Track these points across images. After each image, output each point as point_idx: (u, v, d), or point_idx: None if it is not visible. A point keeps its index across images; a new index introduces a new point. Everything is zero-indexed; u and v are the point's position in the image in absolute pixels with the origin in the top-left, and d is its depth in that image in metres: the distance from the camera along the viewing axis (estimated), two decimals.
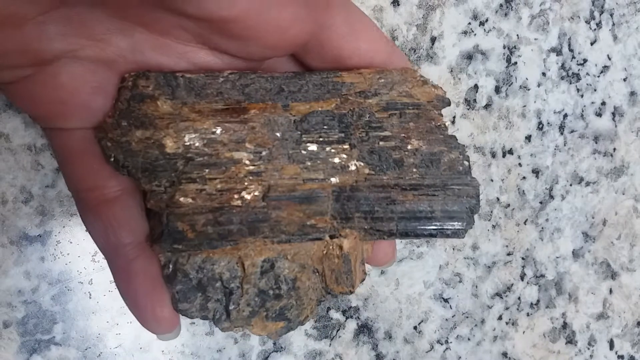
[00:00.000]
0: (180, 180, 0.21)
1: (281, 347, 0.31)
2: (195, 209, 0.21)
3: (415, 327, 0.34)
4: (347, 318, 0.33)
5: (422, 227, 0.22)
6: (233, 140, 0.21)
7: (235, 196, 0.21)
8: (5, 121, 0.26)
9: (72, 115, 0.21)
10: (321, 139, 0.22)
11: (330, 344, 0.33)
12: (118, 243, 0.22)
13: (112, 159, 0.21)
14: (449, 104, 0.24)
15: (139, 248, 0.22)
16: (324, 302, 0.25)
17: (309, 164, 0.22)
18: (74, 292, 0.27)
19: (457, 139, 0.23)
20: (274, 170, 0.21)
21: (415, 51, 0.32)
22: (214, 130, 0.21)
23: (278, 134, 0.22)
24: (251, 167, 0.21)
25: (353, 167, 0.22)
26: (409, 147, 0.23)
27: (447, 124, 0.23)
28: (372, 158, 0.22)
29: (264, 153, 0.21)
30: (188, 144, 0.21)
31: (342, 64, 0.23)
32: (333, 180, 0.22)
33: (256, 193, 0.21)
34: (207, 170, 0.21)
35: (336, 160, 0.22)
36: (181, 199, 0.21)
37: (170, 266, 0.22)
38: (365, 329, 0.33)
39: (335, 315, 0.32)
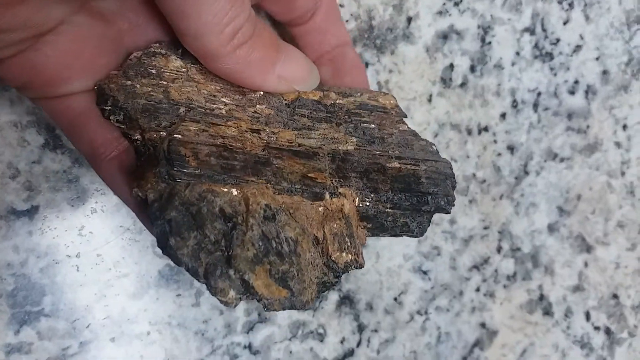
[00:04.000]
0: (182, 120, 0.20)
1: (265, 318, 0.32)
2: (199, 141, 0.20)
3: (395, 299, 0.34)
4: (329, 290, 0.33)
5: (415, 188, 0.23)
6: (234, 103, 0.22)
7: (238, 144, 0.21)
8: None
9: (78, 77, 0.21)
10: (312, 116, 0.23)
11: (313, 315, 0.33)
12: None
13: (110, 101, 0.20)
14: (405, 116, 0.25)
15: None
16: (327, 286, 0.22)
17: (303, 131, 0.22)
18: (62, 265, 0.27)
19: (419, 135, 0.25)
20: (271, 133, 0.22)
21: (391, 31, 0.32)
22: (215, 94, 0.21)
23: (273, 110, 0.22)
24: (251, 125, 0.21)
25: (342, 139, 0.23)
26: (385, 131, 0.24)
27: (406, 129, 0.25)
28: (358, 133, 0.23)
29: (261, 119, 0.22)
30: (191, 97, 0.21)
31: (294, 6, 0.24)
32: (326, 147, 0.22)
33: (257, 144, 0.21)
34: (209, 118, 0.21)
35: (326, 132, 0.23)
36: (184, 131, 0.20)
37: (165, 196, 0.19)
38: (347, 301, 0.33)
39: None
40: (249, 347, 0.31)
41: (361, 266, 0.21)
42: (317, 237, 0.21)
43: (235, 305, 0.19)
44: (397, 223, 0.23)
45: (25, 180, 0.27)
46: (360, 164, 0.22)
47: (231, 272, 0.19)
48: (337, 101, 0.24)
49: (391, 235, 0.23)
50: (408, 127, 0.25)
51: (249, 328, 0.31)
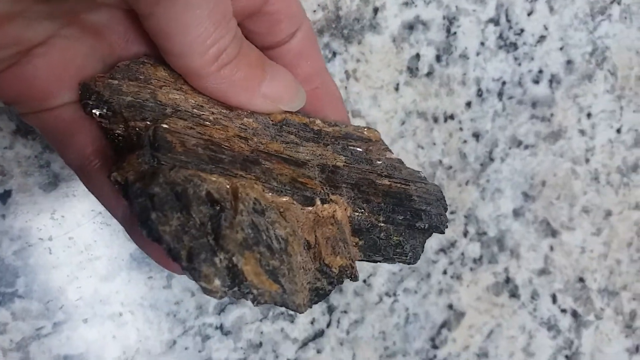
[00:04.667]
0: (169, 117, 0.19)
1: (236, 300, 0.32)
2: (186, 133, 0.19)
3: (364, 281, 0.35)
4: None
5: (407, 204, 0.22)
6: (221, 115, 0.21)
7: (226, 144, 0.20)
8: None
9: (68, 89, 0.20)
10: (299, 134, 0.23)
11: None
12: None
13: (94, 96, 0.20)
14: (389, 149, 0.25)
15: None
16: (321, 294, 0.20)
17: (291, 145, 0.22)
18: (35, 248, 0.28)
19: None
20: (259, 143, 0.21)
21: (358, 21, 0.33)
22: (203, 105, 0.21)
23: (260, 125, 0.22)
24: (239, 133, 0.21)
25: (331, 156, 0.23)
26: (373, 156, 0.24)
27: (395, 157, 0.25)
28: (346, 153, 0.23)
29: (249, 130, 0.21)
30: (178, 103, 0.20)
31: (278, 28, 0.24)
32: (314, 160, 0.22)
33: (245, 147, 0.20)
34: (197, 119, 0.20)
35: (314, 149, 0.22)
36: (171, 124, 0.19)
37: (147, 176, 0.17)
38: None
39: None
40: (221, 327, 0.32)
41: (356, 278, 0.20)
42: (308, 241, 0.20)
43: (221, 297, 0.17)
44: (391, 242, 0.22)
45: None
46: (351, 177, 0.22)
47: (217, 259, 0.17)
48: (323, 128, 0.24)
49: (384, 259, 0.22)
50: (394, 156, 0.25)
51: (221, 309, 0.32)
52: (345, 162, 0.23)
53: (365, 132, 0.25)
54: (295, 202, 0.20)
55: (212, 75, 0.20)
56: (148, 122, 0.19)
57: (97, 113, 0.19)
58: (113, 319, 0.30)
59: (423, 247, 0.23)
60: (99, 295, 0.29)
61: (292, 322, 0.34)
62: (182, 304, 0.31)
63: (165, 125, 0.19)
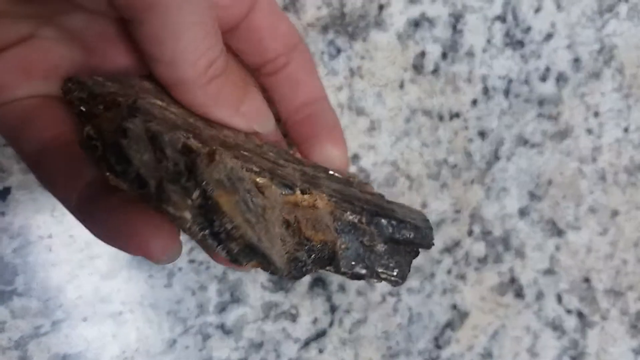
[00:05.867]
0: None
1: (238, 299, 0.31)
2: (167, 111, 0.19)
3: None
4: None
5: (390, 214, 0.21)
6: (201, 123, 0.20)
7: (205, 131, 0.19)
8: None
9: (36, 81, 0.20)
10: (279, 154, 0.22)
11: (286, 296, 0.32)
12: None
13: (76, 84, 0.19)
14: (370, 184, 0.25)
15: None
16: (300, 267, 0.18)
17: (270, 157, 0.21)
18: (34, 245, 0.27)
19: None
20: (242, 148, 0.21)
21: (363, 18, 0.32)
22: (183, 114, 0.20)
23: (240, 141, 0.21)
24: (219, 135, 0.20)
25: (310, 171, 0.22)
26: (354, 184, 0.23)
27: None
28: (326, 174, 0.23)
29: (229, 140, 0.21)
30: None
31: (262, 46, 0.23)
32: (294, 170, 0.21)
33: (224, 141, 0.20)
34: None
35: (294, 166, 0.22)
36: (151, 103, 0.18)
37: (118, 125, 0.16)
38: (319, 282, 0.33)
39: None
40: (222, 327, 0.31)
41: (337, 264, 0.19)
42: (287, 220, 0.18)
43: (189, 230, 0.15)
44: (374, 250, 0.20)
45: None
46: (331, 185, 0.21)
47: (189, 200, 0.15)
48: (302, 160, 0.23)
49: (368, 271, 0.20)
50: (376, 191, 0.24)
51: (222, 308, 0.31)
52: (325, 176, 0.22)
53: (343, 174, 0.24)
54: (274, 185, 0.18)
55: (200, 88, 0.20)
56: (128, 99, 0.18)
57: (79, 96, 0.19)
58: (113, 317, 0.29)
59: (409, 267, 0.21)
60: (99, 294, 0.28)
61: (294, 321, 0.33)
62: (183, 302, 0.30)
63: (145, 100, 0.18)
